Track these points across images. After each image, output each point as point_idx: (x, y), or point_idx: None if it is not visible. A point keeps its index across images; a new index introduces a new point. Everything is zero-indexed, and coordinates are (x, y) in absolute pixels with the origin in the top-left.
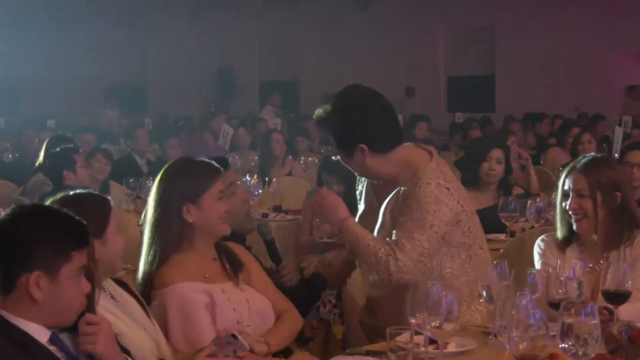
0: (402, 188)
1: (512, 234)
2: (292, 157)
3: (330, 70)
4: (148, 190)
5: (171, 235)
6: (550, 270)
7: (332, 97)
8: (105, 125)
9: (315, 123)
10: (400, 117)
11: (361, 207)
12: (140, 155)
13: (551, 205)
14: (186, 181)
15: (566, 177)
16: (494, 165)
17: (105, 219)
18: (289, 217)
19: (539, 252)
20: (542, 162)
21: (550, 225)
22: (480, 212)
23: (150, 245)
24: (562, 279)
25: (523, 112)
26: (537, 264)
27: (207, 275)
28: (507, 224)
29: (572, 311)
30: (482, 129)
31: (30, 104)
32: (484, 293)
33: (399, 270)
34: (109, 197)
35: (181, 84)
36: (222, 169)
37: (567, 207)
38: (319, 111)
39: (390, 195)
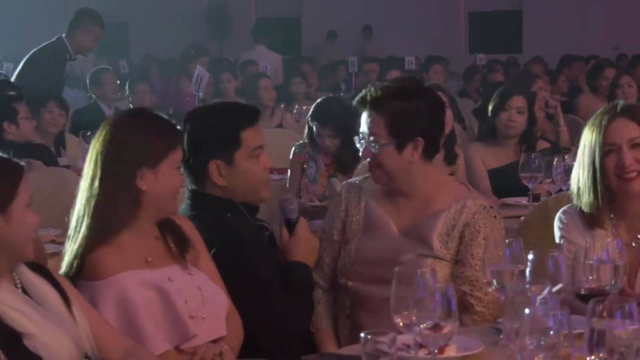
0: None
1: (535, 198)
2: (285, 106)
3: (336, 5)
4: None
5: (117, 207)
6: (576, 252)
7: (400, 80)
8: (76, 70)
9: (372, 100)
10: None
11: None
12: (108, 104)
13: None
14: (147, 139)
15: (607, 125)
16: (514, 115)
17: (11, 190)
18: (274, 176)
19: (560, 228)
20: (573, 110)
21: None
22: (498, 171)
23: (85, 219)
24: (591, 262)
25: (553, 53)
26: (562, 244)
27: (149, 259)
28: (529, 185)
29: (604, 312)
30: (507, 72)
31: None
32: (494, 281)
33: None
34: (23, 163)
35: (167, 21)
36: (254, 120)
37: (621, 163)
38: (381, 88)
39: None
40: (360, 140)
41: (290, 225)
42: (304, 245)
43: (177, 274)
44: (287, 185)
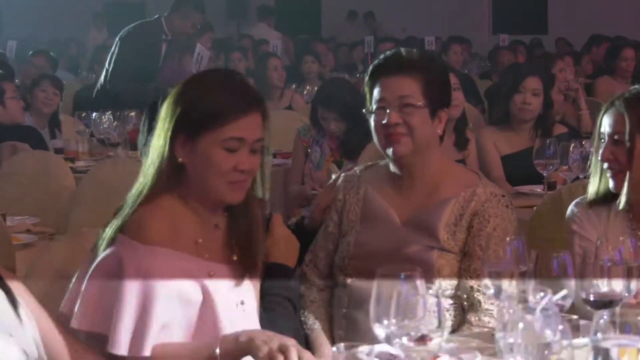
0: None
1: (550, 186)
2: (296, 86)
3: None
4: (101, 126)
5: (157, 170)
6: (585, 251)
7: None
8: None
9: (409, 62)
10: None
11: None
12: None
13: None
14: (198, 101)
15: (603, 115)
16: (528, 97)
17: None
18: (277, 161)
19: (572, 220)
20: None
21: None
22: (511, 157)
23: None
24: (601, 263)
25: (580, 34)
26: (573, 240)
27: (200, 240)
28: (544, 173)
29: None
30: (530, 53)
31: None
32: (490, 284)
33: None
34: None
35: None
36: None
37: (600, 157)
38: (411, 52)
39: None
40: (379, 109)
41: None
42: (283, 245)
43: (222, 274)
44: (291, 170)
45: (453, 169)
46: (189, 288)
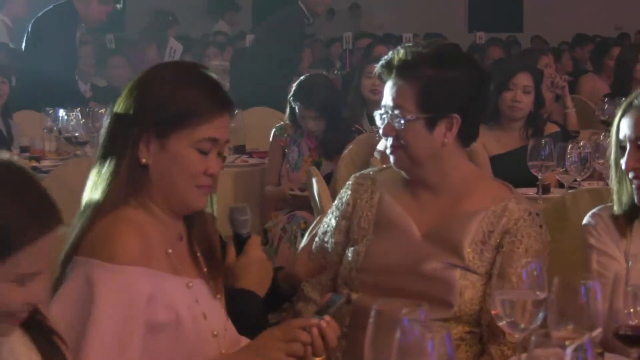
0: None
1: (545, 190)
2: None
3: None
4: (69, 124)
5: (114, 174)
6: (617, 275)
7: (434, 44)
8: None
9: (400, 66)
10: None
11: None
12: (85, 79)
13: (599, 150)
14: (170, 97)
15: (621, 120)
16: (519, 95)
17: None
18: (252, 160)
19: (589, 233)
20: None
21: (601, 179)
22: (501, 158)
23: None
24: (633, 290)
25: (554, 32)
26: (590, 255)
27: (170, 251)
28: (539, 175)
29: None
30: (507, 51)
31: None
32: (502, 312)
33: None
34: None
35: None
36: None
37: (624, 167)
38: (412, 52)
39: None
40: (382, 115)
41: (240, 242)
42: (255, 269)
43: (198, 284)
44: (267, 170)
45: (479, 179)
46: (173, 307)
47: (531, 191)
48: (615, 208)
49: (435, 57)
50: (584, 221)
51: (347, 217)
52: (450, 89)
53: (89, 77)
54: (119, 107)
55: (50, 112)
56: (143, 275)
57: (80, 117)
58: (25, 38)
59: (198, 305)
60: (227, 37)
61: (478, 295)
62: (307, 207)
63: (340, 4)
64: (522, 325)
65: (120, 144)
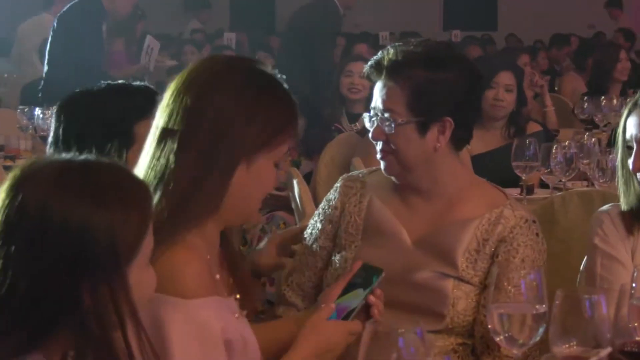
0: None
1: (529, 190)
2: None
3: None
4: (45, 122)
5: (200, 195)
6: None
7: (426, 44)
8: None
9: (390, 66)
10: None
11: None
12: None
13: (583, 150)
14: (267, 113)
15: (627, 119)
16: (501, 93)
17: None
18: None
19: (595, 233)
20: (556, 90)
21: (586, 179)
22: (482, 157)
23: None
24: (635, 302)
25: (528, 30)
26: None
27: (217, 277)
28: (523, 176)
29: None
30: (483, 49)
31: None
32: (500, 327)
33: None
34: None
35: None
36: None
37: (631, 167)
38: (402, 52)
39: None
40: (371, 117)
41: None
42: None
43: (233, 302)
44: None
45: (473, 184)
46: (237, 330)
47: (514, 191)
48: (623, 208)
49: (427, 58)
50: (592, 219)
51: (334, 221)
52: (443, 91)
53: None
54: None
55: (26, 110)
56: (213, 306)
57: None
58: (51, 34)
59: (241, 323)
60: (204, 34)
61: (471, 307)
62: (286, 208)
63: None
64: (521, 341)
65: (204, 171)
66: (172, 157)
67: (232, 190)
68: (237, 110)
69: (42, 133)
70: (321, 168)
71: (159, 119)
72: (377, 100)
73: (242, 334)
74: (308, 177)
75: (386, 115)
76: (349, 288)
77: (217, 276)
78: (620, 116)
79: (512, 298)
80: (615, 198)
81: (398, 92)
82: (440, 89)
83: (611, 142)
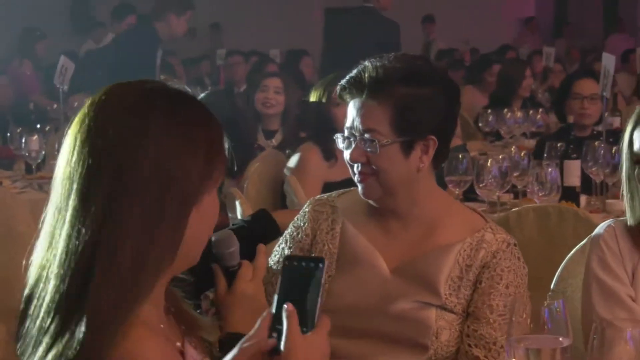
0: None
1: None
2: None
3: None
4: None
5: (150, 254)
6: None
7: (404, 58)
8: None
9: (372, 84)
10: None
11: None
12: None
13: (517, 165)
14: (202, 149)
15: (633, 132)
16: None
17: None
18: None
19: (596, 256)
20: None
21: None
22: None
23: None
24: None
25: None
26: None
27: (178, 344)
28: (456, 190)
29: None
30: None
31: None
32: None
33: None
34: None
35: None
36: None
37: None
38: (383, 68)
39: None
40: (345, 138)
41: (229, 275)
42: (246, 306)
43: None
44: None
45: (451, 206)
46: None
47: None
48: (630, 223)
49: (409, 73)
50: (592, 240)
51: (305, 249)
52: (427, 108)
53: None
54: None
55: None
56: None
57: None
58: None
59: None
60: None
61: (454, 337)
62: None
63: (201, 23)
64: None
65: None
66: (103, 226)
67: (184, 240)
68: (176, 150)
69: None
70: (249, 188)
71: (66, 178)
72: (354, 120)
73: None
74: None
75: (367, 135)
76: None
77: (162, 325)
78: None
79: (494, 327)
80: (570, 213)
81: (381, 111)
82: (424, 106)
83: (539, 154)
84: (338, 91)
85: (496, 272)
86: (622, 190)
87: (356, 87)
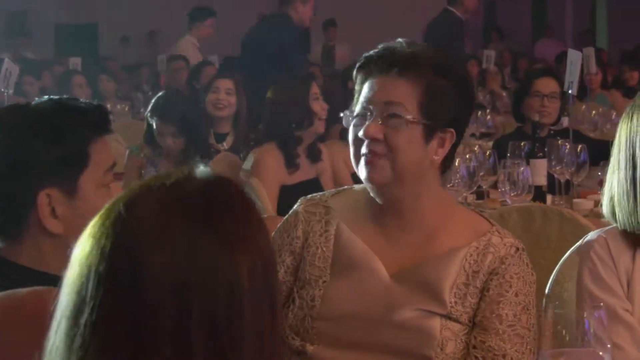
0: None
1: None
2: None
3: (130, 10)
4: None
5: None
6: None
7: (440, 51)
8: None
9: (404, 60)
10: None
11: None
12: None
13: (481, 164)
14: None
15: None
16: None
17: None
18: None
19: (588, 270)
20: None
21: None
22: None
23: None
24: None
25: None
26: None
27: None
28: None
29: None
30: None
31: None
32: None
33: None
34: None
35: None
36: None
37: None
38: (412, 48)
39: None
40: (357, 115)
41: None
42: None
43: None
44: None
45: (454, 208)
46: None
47: None
48: (629, 229)
49: (437, 61)
50: (581, 251)
51: (296, 252)
52: (450, 99)
53: None
54: None
55: None
56: None
57: None
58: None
59: None
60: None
61: (460, 348)
62: None
63: (136, 31)
64: None
65: None
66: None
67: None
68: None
69: None
70: None
71: None
72: (378, 95)
73: None
74: None
75: (393, 109)
76: None
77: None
78: None
79: (503, 338)
80: (555, 213)
81: (410, 89)
82: (449, 97)
83: (502, 154)
84: (358, 65)
85: (505, 279)
86: (616, 195)
87: (386, 62)
